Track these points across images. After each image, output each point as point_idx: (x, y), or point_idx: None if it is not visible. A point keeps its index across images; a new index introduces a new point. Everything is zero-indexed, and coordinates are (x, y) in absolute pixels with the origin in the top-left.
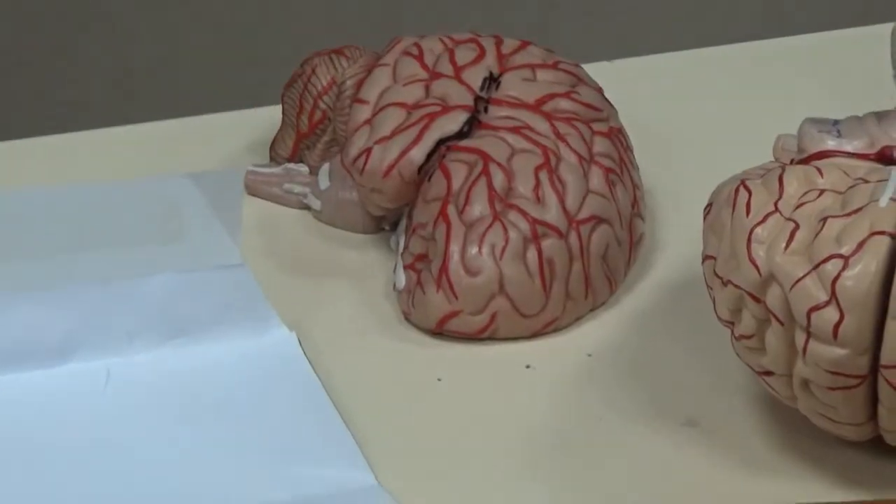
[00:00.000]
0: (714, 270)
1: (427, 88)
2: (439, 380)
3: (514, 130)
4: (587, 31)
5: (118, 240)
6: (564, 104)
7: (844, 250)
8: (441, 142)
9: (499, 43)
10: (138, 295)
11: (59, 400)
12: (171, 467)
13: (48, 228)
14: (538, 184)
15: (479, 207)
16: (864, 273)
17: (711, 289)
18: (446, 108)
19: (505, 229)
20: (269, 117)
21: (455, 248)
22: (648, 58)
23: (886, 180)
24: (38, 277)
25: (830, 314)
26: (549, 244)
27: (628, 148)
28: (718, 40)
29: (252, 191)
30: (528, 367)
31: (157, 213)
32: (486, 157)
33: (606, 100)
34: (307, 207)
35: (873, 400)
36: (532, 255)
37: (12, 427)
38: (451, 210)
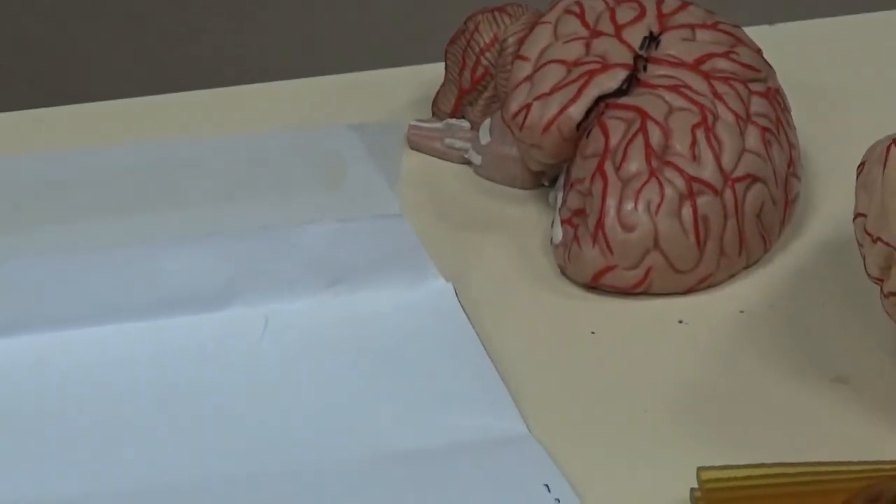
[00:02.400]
0: (864, 228)
1: (587, 46)
2: (593, 333)
3: (673, 89)
4: None
5: (279, 188)
6: (723, 64)
7: None
8: (600, 99)
9: (659, 3)
10: (298, 243)
11: (218, 344)
12: (325, 412)
13: (212, 177)
14: (695, 142)
15: (635, 164)
16: None
17: (862, 246)
18: (606, 66)
19: (661, 186)
20: (431, 73)
21: (611, 204)
22: (809, 22)
23: None
24: (200, 225)
25: None
26: (704, 201)
27: (786, 108)
28: (880, 6)
29: (414, 145)
30: (680, 322)
31: (319, 162)
32: (643, 115)
33: (765, 60)
34: (468, 162)
35: None
36: (687, 211)
37: (173, 370)
38: (609, 166)
